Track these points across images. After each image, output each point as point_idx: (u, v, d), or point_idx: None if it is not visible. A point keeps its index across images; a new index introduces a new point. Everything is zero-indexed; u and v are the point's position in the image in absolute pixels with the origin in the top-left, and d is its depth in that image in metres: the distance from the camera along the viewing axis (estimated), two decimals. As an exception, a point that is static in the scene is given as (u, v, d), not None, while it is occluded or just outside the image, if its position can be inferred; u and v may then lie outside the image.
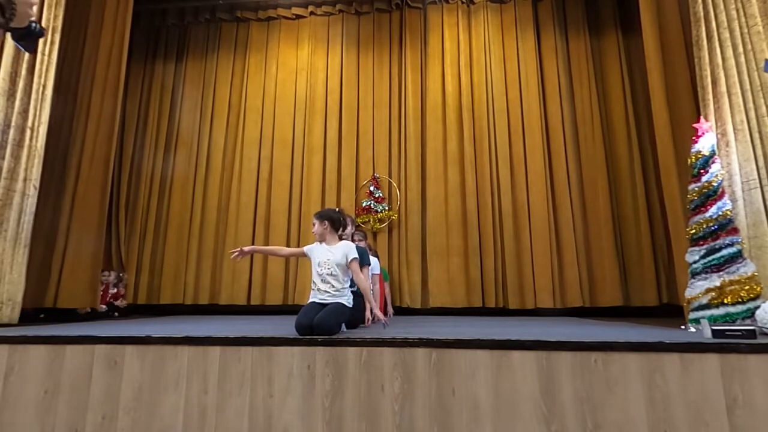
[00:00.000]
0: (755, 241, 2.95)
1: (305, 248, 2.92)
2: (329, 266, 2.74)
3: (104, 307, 5.01)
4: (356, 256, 2.80)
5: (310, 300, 2.72)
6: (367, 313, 3.29)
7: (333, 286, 2.71)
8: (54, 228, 4.20)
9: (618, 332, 2.57)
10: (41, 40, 3.90)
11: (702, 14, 3.42)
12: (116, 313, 5.43)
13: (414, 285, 5.68)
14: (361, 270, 3.42)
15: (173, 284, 6.08)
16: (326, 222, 2.85)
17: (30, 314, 3.93)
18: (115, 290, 5.54)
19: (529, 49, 6.18)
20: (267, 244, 6.05)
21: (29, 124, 3.77)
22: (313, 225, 2.89)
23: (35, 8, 1.08)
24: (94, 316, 4.61)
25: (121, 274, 5.84)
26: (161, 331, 2.56)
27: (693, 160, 2.96)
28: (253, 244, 6.08)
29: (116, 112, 4.66)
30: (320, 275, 2.75)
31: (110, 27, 4.74)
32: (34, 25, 1.11)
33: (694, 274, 2.80)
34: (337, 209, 3.03)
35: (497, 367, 1.97)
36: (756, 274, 2.63)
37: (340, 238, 2.98)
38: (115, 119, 4.65)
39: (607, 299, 5.36)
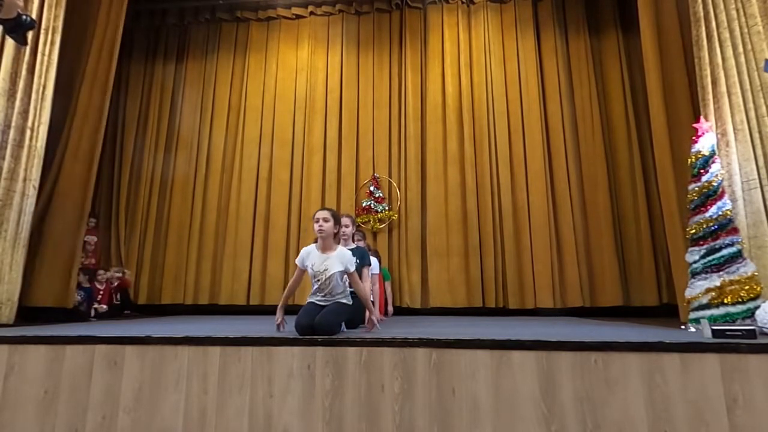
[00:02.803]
0: (755, 241, 2.95)
1: (298, 261, 2.68)
2: (327, 276, 2.61)
3: (105, 306, 5.01)
4: (354, 268, 2.67)
5: (309, 300, 2.71)
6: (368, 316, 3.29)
7: (331, 291, 2.64)
8: (43, 226, 4.10)
9: (618, 332, 2.57)
10: (41, 40, 3.89)
11: (702, 14, 3.42)
12: (127, 311, 5.41)
13: (414, 285, 5.68)
14: (362, 269, 3.43)
15: (173, 284, 6.09)
16: (337, 225, 2.66)
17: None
18: (116, 284, 5.47)
19: (529, 49, 6.18)
20: (266, 244, 6.07)
21: (29, 124, 3.76)
22: (322, 221, 2.60)
23: (22, 1, 1.06)
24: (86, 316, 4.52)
25: (118, 269, 5.75)
26: (161, 331, 2.56)
27: (693, 160, 2.96)
28: (252, 243, 6.09)
29: (104, 107, 4.54)
30: (318, 281, 2.64)
31: (103, 21, 4.66)
32: (24, 17, 1.09)
33: (694, 274, 2.80)
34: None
35: (497, 367, 1.97)
36: (756, 274, 2.63)
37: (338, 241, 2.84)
38: (102, 115, 4.53)
39: (607, 299, 5.36)
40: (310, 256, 2.67)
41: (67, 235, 4.25)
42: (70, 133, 4.40)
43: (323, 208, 2.71)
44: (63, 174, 4.33)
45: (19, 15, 1.07)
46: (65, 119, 4.39)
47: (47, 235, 4.16)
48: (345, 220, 3.56)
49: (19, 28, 1.10)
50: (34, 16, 3.82)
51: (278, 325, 2.60)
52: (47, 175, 4.20)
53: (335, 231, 2.67)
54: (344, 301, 2.69)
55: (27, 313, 3.91)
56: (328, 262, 2.62)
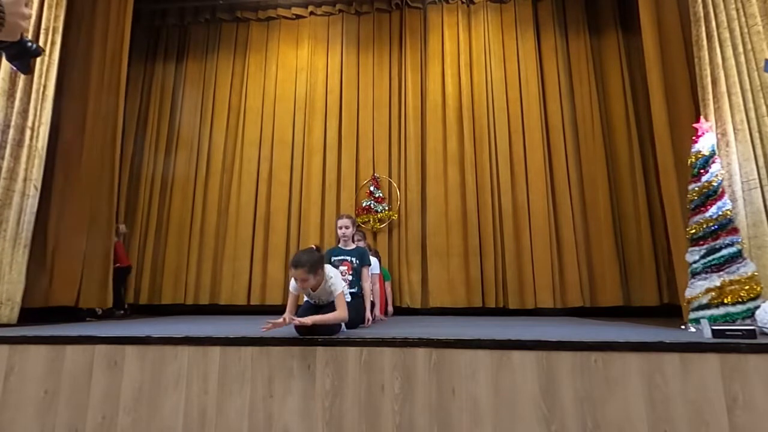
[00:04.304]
0: (755, 241, 2.95)
1: (292, 288, 2.58)
2: (321, 299, 2.61)
3: (99, 310, 4.97)
4: (341, 289, 2.53)
5: (307, 300, 2.70)
6: (368, 314, 3.30)
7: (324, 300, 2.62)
8: (64, 229, 4.19)
9: (618, 332, 2.57)
10: (41, 40, 3.89)
11: (702, 14, 3.42)
12: (125, 309, 5.38)
13: (414, 285, 5.68)
14: (362, 270, 3.44)
15: (174, 284, 6.09)
16: (319, 272, 2.45)
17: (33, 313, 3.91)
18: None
19: (529, 49, 6.18)
20: (266, 244, 6.07)
21: (29, 124, 3.76)
22: (301, 281, 2.40)
23: (27, 23, 0.95)
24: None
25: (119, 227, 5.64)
26: (161, 331, 2.56)
27: (693, 160, 2.96)
28: (252, 243, 6.09)
29: (119, 112, 4.66)
30: (314, 301, 2.65)
31: (113, 26, 4.72)
32: (30, 43, 0.98)
33: (694, 274, 2.80)
34: (313, 247, 2.57)
35: (497, 367, 1.97)
36: (756, 274, 2.63)
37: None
38: (118, 120, 4.63)
39: (607, 299, 5.36)
40: (300, 290, 2.57)
41: (99, 238, 4.39)
42: (93, 138, 4.47)
43: (299, 263, 2.37)
44: (91, 180, 4.41)
45: (24, 41, 0.97)
46: (87, 124, 4.44)
47: (80, 240, 4.26)
48: (345, 221, 3.57)
49: (24, 55, 0.99)
50: (33, 16, 3.82)
51: (276, 324, 2.29)
52: (73, 181, 4.28)
53: (318, 278, 2.47)
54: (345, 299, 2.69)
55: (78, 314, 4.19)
56: (318, 294, 2.58)
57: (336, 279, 2.56)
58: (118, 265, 5.30)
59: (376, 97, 6.36)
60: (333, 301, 2.58)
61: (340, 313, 2.41)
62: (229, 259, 6.05)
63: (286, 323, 2.22)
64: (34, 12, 3.81)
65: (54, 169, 4.16)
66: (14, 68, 1.03)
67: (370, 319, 3.36)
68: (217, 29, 6.93)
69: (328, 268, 2.60)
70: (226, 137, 6.54)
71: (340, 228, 3.54)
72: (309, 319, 2.24)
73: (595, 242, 5.58)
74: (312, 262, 2.38)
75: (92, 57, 4.58)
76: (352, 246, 3.59)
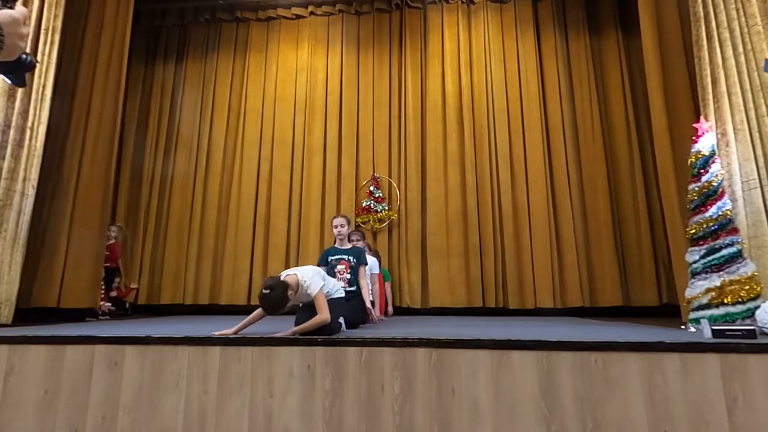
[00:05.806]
0: (755, 241, 2.95)
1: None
2: (301, 303, 2.62)
3: (108, 304, 4.96)
4: (318, 289, 2.49)
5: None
6: (369, 308, 3.33)
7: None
8: (56, 229, 4.18)
9: (618, 332, 2.57)
10: (41, 40, 3.88)
11: (702, 14, 3.42)
12: (127, 306, 5.38)
13: (414, 285, 5.68)
14: (359, 269, 3.47)
15: (173, 284, 6.08)
16: (288, 299, 2.38)
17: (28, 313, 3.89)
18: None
19: (529, 49, 6.18)
20: (267, 245, 6.07)
21: (29, 124, 3.76)
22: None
23: (25, 42, 0.93)
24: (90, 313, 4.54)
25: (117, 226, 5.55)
26: (161, 331, 2.56)
27: (693, 160, 2.96)
28: (252, 243, 6.09)
29: (117, 112, 4.64)
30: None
31: (111, 27, 4.73)
32: (24, 56, 0.97)
33: (694, 274, 2.80)
34: (275, 279, 2.41)
35: (497, 367, 1.97)
36: (756, 274, 2.62)
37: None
38: (116, 119, 4.62)
39: (607, 299, 5.36)
40: None
41: (92, 239, 4.35)
42: (86, 138, 4.45)
43: (268, 311, 2.39)
44: (82, 179, 4.38)
45: (20, 56, 0.96)
46: (81, 124, 4.42)
47: (73, 240, 4.23)
48: (340, 220, 3.60)
49: (19, 69, 0.97)
50: (33, 16, 3.82)
51: (224, 334, 2.30)
52: (65, 180, 4.27)
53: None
54: (336, 296, 2.71)
55: (64, 314, 4.11)
56: (297, 299, 2.55)
57: (312, 280, 2.49)
58: (108, 265, 5.24)
59: (376, 97, 6.36)
60: (329, 299, 2.58)
61: (320, 316, 2.38)
62: (229, 259, 6.05)
63: (236, 334, 2.28)
64: (33, 12, 3.81)
65: (48, 168, 4.14)
66: (9, 81, 1.01)
67: (373, 312, 3.40)
68: (217, 29, 6.92)
69: (304, 270, 2.57)
70: (226, 137, 6.53)
71: (335, 227, 3.57)
72: (289, 332, 2.28)
73: (594, 242, 5.57)
74: (276, 304, 2.32)
75: (91, 57, 4.57)
76: (349, 245, 3.61)
